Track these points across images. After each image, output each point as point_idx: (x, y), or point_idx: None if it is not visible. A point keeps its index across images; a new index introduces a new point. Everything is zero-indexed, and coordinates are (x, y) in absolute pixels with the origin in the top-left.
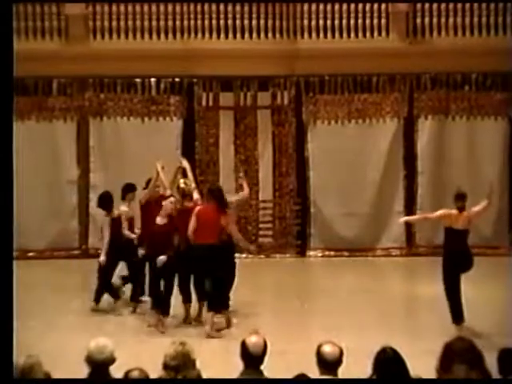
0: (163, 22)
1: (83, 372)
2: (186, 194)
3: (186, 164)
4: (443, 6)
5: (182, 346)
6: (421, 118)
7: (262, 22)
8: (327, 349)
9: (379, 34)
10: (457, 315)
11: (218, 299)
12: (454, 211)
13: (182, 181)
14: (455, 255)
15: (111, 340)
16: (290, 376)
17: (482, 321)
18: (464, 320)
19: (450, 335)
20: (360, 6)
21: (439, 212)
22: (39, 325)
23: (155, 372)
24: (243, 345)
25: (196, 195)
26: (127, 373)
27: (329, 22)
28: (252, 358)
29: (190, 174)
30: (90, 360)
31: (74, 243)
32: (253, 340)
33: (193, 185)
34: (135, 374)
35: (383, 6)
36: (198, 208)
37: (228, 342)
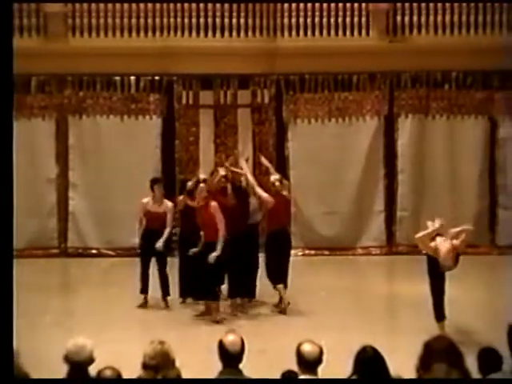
0: (143, 19)
1: (63, 372)
2: (278, 190)
3: (264, 161)
4: (423, 4)
5: (161, 345)
6: (401, 116)
7: (242, 20)
8: (307, 348)
9: (359, 32)
10: (439, 312)
11: None
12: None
13: (277, 177)
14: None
15: (90, 340)
16: (270, 375)
17: (462, 319)
18: (445, 317)
19: (430, 334)
20: (340, 4)
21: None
22: (19, 325)
23: (133, 372)
24: (220, 344)
25: (285, 192)
26: (99, 372)
27: (309, 20)
28: (230, 357)
29: (272, 169)
30: (69, 360)
31: (53, 242)
32: (230, 339)
33: (285, 181)
34: (107, 374)
35: (363, 4)
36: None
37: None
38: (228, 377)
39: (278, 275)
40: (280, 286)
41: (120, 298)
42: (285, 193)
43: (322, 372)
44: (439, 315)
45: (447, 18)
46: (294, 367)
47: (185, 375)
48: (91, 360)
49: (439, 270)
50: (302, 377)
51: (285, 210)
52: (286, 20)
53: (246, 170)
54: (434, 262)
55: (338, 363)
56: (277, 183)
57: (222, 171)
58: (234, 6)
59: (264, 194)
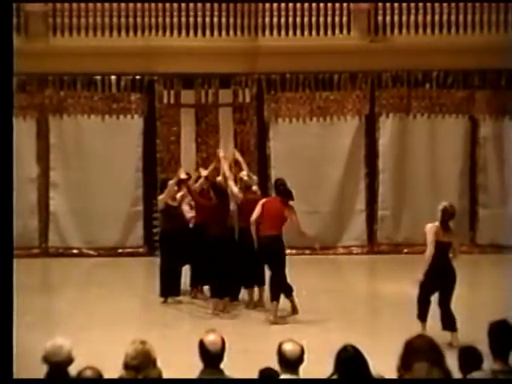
0: (124, 19)
1: (43, 372)
2: (248, 186)
3: (239, 156)
4: (404, 4)
5: (143, 345)
6: (382, 115)
7: (223, 19)
8: (288, 347)
9: (340, 31)
10: (422, 313)
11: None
12: (438, 225)
13: (245, 173)
14: (439, 271)
15: (71, 340)
16: (251, 375)
17: None
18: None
19: (411, 333)
20: (321, 3)
21: (431, 237)
22: None
23: (115, 372)
24: (201, 343)
25: (255, 187)
26: (79, 373)
27: (290, 20)
28: (211, 357)
29: (244, 165)
30: (47, 360)
31: (34, 242)
32: (210, 338)
33: (254, 177)
34: (88, 374)
35: (345, 3)
36: (263, 200)
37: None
38: (209, 377)
39: (251, 278)
40: (250, 291)
41: (102, 298)
42: (254, 188)
43: (303, 371)
44: (422, 315)
45: (428, 17)
46: (276, 367)
47: (166, 375)
48: (70, 360)
49: (435, 284)
50: (283, 376)
51: (255, 206)
52: (267, 19)
53: (223, 162)
54: (432, 277)
55: (320, 362)
56: (245, 178)
57: (203, 172)
58: (216, 5)
59: (235, 189)
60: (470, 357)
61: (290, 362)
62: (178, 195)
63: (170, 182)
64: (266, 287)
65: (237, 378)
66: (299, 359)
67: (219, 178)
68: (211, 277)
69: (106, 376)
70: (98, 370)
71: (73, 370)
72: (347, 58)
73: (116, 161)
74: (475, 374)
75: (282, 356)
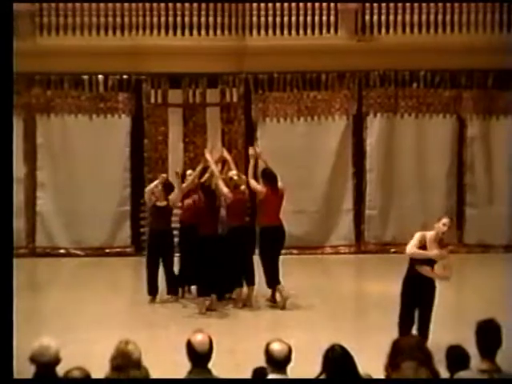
0: (111, 18)
1: (29, 372)
2: (237, 186)
3: (227, 156)
4: (392, 3)
5: (125, 345)
6: (370, 115)
7: (210, 18)
8: (276, 347)
9: (328, 31)
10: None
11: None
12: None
13: (234, 173)
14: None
15: (59, 340)
16: (239, 374)
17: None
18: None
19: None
20: (309, 3)
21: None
22: None
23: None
24: (188, 343)
25: (243, 187)
26: (67, 373)
27: (278, 19)
28: (198, 357)
29: (232, 165)
30: (34, 360)
31: (20, 242)
32: (198, 338)
33: (243, 176)
34: (76, 374)
35: (332, 3)
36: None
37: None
38: (197, 376)
39: (240, 277)
40: (238, 290)
41: (89, 298)
42: (243, 187)
43: (291, 371)
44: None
45: (415, 17)
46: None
47: (154, 375)
48: (57, 360)
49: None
50: (271, 376)
51: (244, 206)
52: (254, 19)
53: (210, 161)
54: None
55: (307, 362)
56: (235, 177)
57: (191, 175)
58: (203, 4)
59: (224, 189)
60: (457, 356)
61: (278, 362)
62: (171, 197)
63: (154, 183)
64: (256, 286)
65: (225, 377)
66: (287, 359)
67: (206, 176)
68: (199, 277)
69: (94, 376)
70: (86, 371)
71: (60, 370)
72: (335, 57)
73: (103, 160)
74: (462, 374)
75: (269, 355)
